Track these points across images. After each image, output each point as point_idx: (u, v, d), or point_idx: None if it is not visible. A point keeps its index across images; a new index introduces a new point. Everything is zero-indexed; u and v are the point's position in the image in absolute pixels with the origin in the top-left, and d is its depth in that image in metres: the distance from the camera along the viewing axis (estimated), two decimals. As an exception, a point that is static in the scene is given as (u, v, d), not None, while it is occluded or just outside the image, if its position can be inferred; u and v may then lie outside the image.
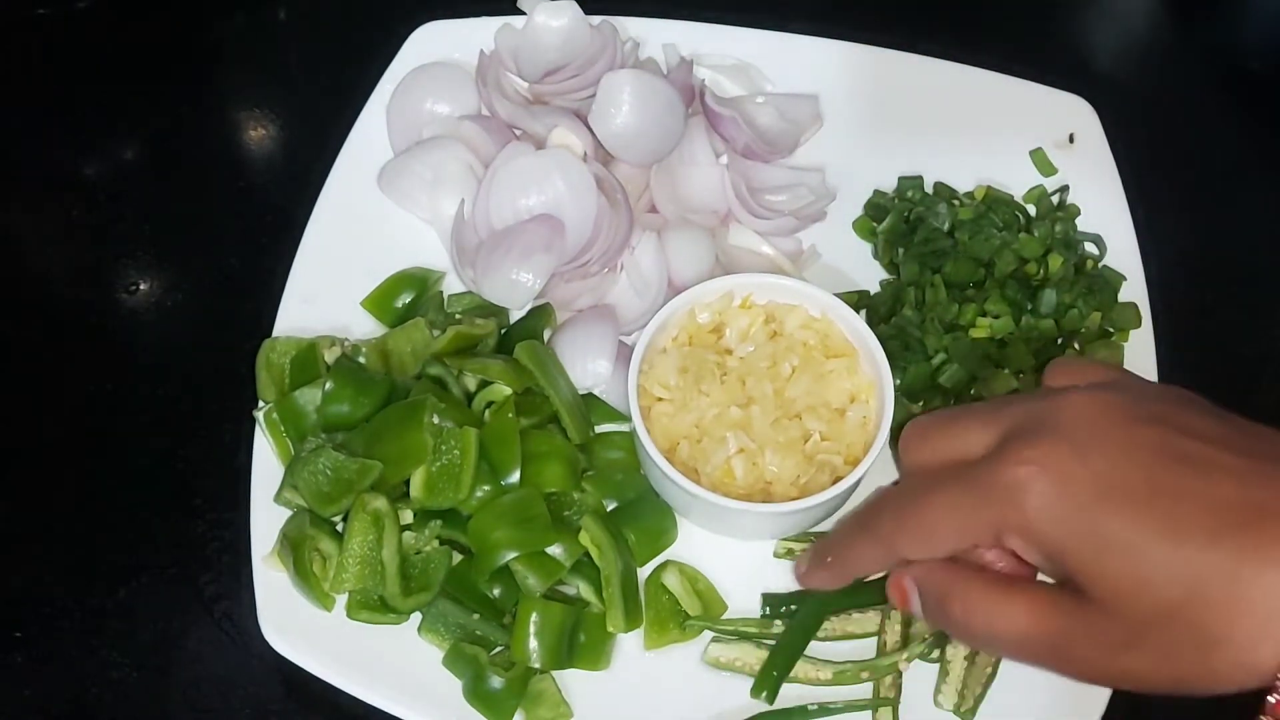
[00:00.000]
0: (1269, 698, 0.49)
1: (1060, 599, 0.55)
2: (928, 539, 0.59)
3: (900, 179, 0.92)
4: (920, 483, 0.60)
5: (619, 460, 0.81)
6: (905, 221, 0.90)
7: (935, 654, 0.76)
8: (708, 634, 0.77)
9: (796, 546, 0.79)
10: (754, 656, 0.75)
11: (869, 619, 0.76)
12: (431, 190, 0.89)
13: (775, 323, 0.82)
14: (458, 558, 0.76)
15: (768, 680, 0.74)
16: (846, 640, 0.76)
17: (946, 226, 0.88)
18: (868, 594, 0.76)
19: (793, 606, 0.76)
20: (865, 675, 0.74)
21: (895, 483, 0.74)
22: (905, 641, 0.75)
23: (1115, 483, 0.53)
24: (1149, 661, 0.52)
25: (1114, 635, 0.53)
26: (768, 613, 0.77)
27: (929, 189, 0.92)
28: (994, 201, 0.90)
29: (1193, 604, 0.50)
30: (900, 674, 0.75)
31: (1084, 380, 0.59)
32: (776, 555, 0.79)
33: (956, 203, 0.90)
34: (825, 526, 0.80)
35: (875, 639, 0.76)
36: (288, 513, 0.78)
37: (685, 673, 0.76)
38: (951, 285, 0.86)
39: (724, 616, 0.77)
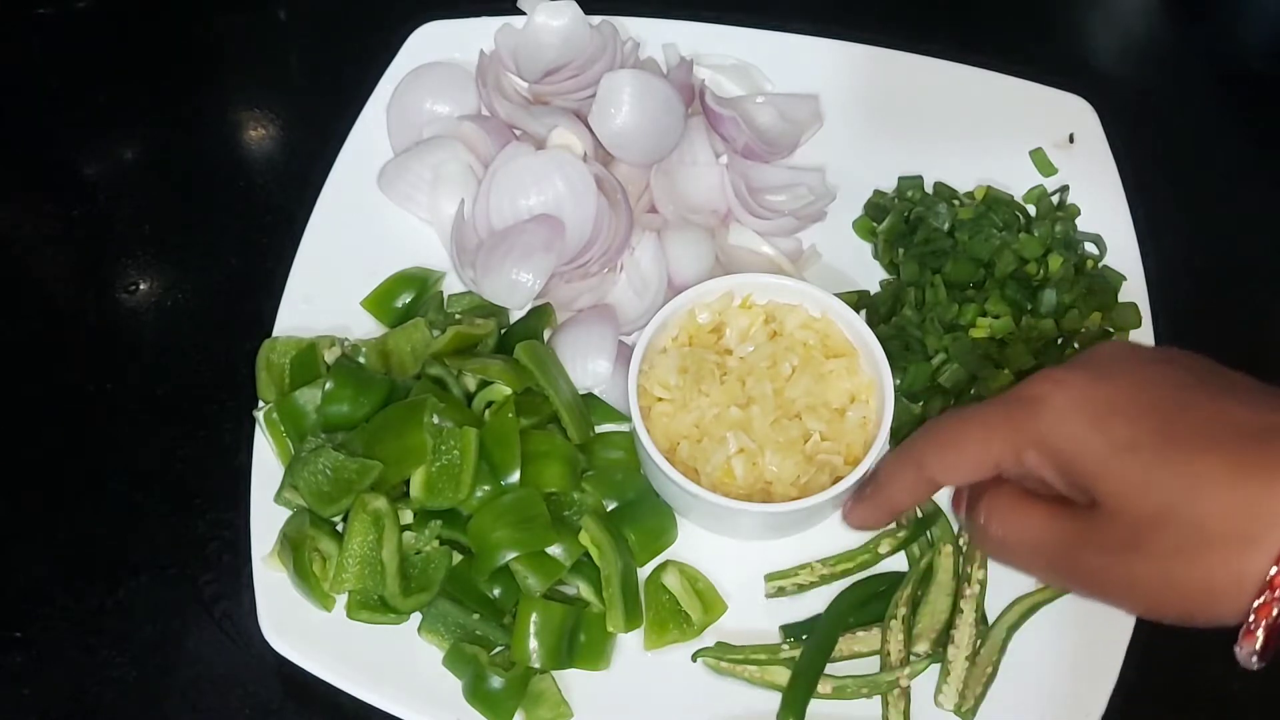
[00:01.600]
0: (1256, 601, 0.50)
1: (1073, 508, 0.57)
2: (956, 459, 0.62)
3: (900, 179, 0.92)
4: (955, 411, 0.65)
5: (619, 460, 0.81)
6: (905, 221, 0.90)
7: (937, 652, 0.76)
8: (708, 635, 0.77)
9: (787, 584, 0.79)
10: (753, 663, 0.76)
11: (874, 636, 0.77)
12: (431, 190, 0.89)
13: (775, 323, 0.82)
14: (458, 558, 0.76)
15: (793, 704, 0.73)
16: (854, 659, 0.76)
17: (946, 227, 0.88)
18: (872, 610, 0.77)
19: (804, 636, 0.77)
20: (865, 690, 0.75)
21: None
22: (907, 658, 0.75)
23: (1128, 400, 0.56)
24: (1150, 569, 0.54)
25: (1117, 538, 0.54)
26: (790, 642, 0.76)
27: (929, 189, 0.92)
28: (994, 201, 0.90)
29: (1192, 505, 0.52)
30: (908, 690, 0.75)
31: None
32: (768, 596, 0.79)
33: (956, 203, 0.90)
34: (824, 526, 0.80)
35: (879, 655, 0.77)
36: (288, 513, 0.78)
37: (685, 673, 0.76)
38: (951, 285, 0.86)
39: (725, 620, 0.78)
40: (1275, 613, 0.50)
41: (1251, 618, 0.51)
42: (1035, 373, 0.59)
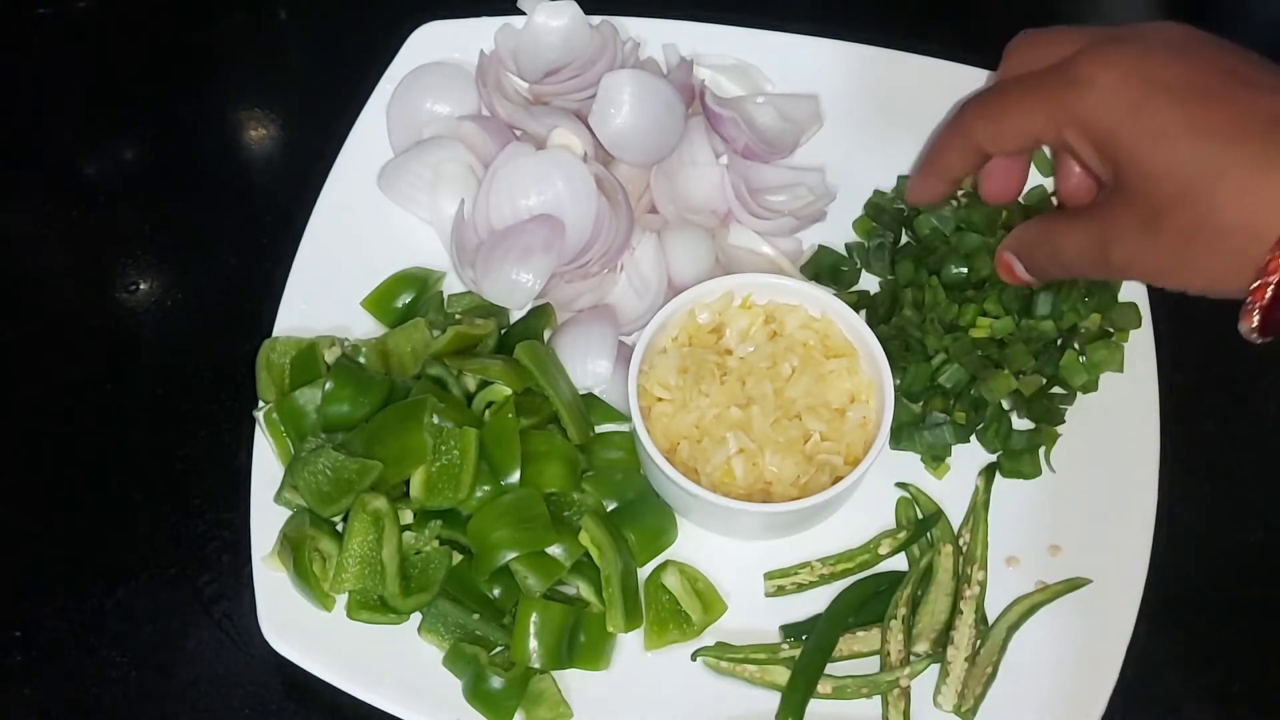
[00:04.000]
0: (1253, 284, 0.56)
1: (1105, 202, 0.63)
2: (1000, 128, 0.67)
3: (900, 179, 0.92)
4: (1006, 81, 0.69)
5: (619, 460, 0.81)
6: (899, 221, 0.90)
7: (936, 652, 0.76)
8: (707, 635, 0.77)
9: (787, 583, 0.79)
10: (752, 663, 0.76)
11: (874, 636, 0.77)
12: (431, 190, 0.89)
13: (775, 323, 0.82)
14: (458, 558, 0.76)
15: (792, 704, 0.74)
16: (854, 659, 0.76)
17: (950, 228, 0.87)
18: (872, 610, 0.77)
19: (804, 636, 0.77)
20: (865, 690, 0.75)
21: None
22: (907, 658, 0.75)
23: (1168, 83, 0.59)
24: (1166, 251, 0.59)
25: (1138, 220, 0.60)
26: (790, 642, 0.77)
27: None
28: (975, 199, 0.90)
29: (1210, 193, 0.57)
30: (908, 690, 0.75)
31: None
32: (768, 595, 0.79)
33: (956, 203, 0.90)
34: (825, 526, 0.80)
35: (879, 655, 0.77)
36: (288, 513, 0.78)
37: (685, 673, 0.76)
38: (950, 286, 0.85)
39: (725, 620, 0.78)
40: (1268, 296, 0.56)
41: (1249, 299, 0.56)
42: (1088, 48, 0.62)
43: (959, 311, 0.84)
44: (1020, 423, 0.83)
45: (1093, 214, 0.65)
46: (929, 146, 0.74)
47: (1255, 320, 0.57)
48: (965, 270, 0.85)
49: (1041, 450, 0.82)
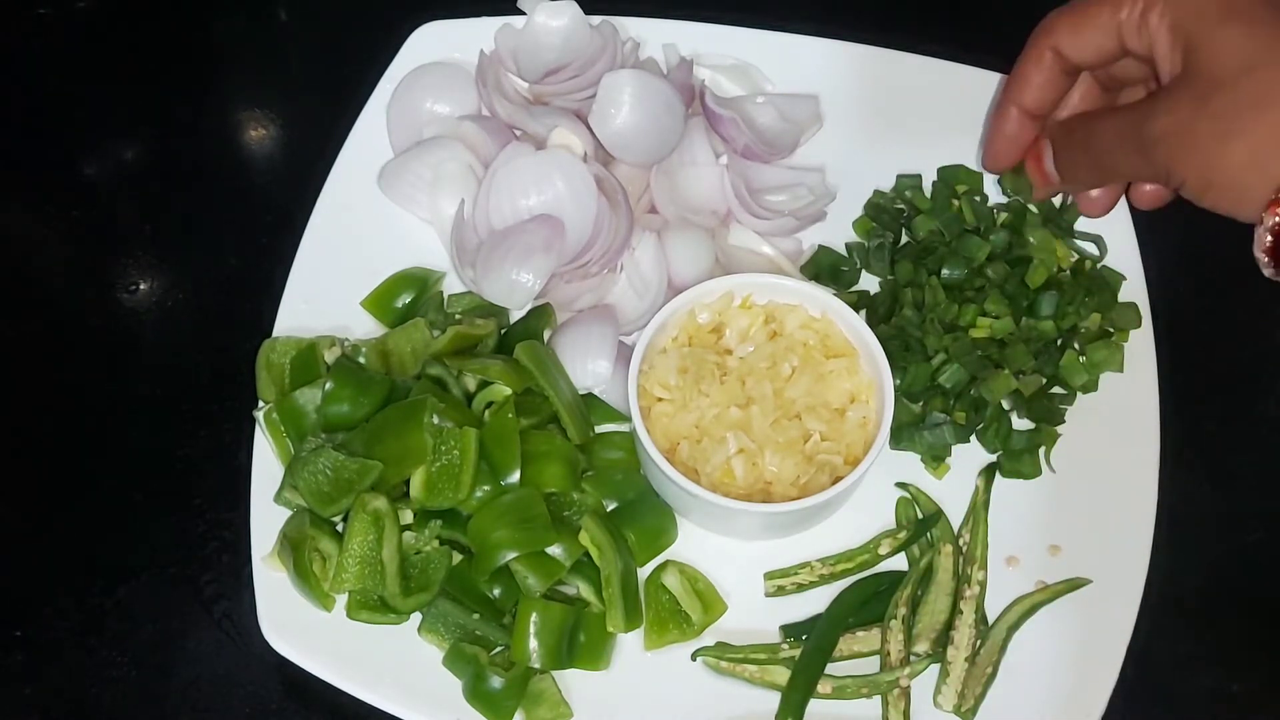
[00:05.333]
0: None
1: (1149, 96, 0.67)
2: (1082, 15, 0.68)
3: (899, 179, 0.92)
4: None
5: (619, 460, 0.81)
6: (899, 222, 0.90)
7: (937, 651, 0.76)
8: (707, 635, 0.77)
9: (787, 584, 0.79)
10: (752, 663, 0.76)
11: (874, 636, 0.77)
12: (431, 190, 0.89)
13: (775, 323, 0.82)
14: (458, 558, 0.76)
15: (791, 704, 0.74)
16: (854, 659, 0.76)
17: (963, 229, 0.87)
18: (872, 610, 0.77)
19: (804, 636, 0.77)
20: (865, 690, 0.75)
21: None
22: (907, 658, 0.75)
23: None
24: (1218, 117, 0.60)
25: (1199, 91, 0.61)
26: (790, 642, 0.77)
27: (928, 189, 0.92)
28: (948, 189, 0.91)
29: (1268, 68, 0.59)
30: (908, 690, 0.75)
31: None
32: (768, 595, 0.79)
33: (955, 202, 0.90)
34: (825, 526, 0.80)
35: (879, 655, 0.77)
36: (288, 513, 0.78)
37: (685, 673, 0.76)
38: (950, 286, 0.85)
39: (725, 620, 0.78)
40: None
41: (1265, 217, 0.59)
42: None
43: (959, 311, 0.84)
44: (1020, 423, 0.83)
45: (1136, 102, 0.67)
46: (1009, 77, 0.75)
47: (1268, 241, 0.60)
48: (965, 270, 0.85)
49: (1041, 450, 0.82)
